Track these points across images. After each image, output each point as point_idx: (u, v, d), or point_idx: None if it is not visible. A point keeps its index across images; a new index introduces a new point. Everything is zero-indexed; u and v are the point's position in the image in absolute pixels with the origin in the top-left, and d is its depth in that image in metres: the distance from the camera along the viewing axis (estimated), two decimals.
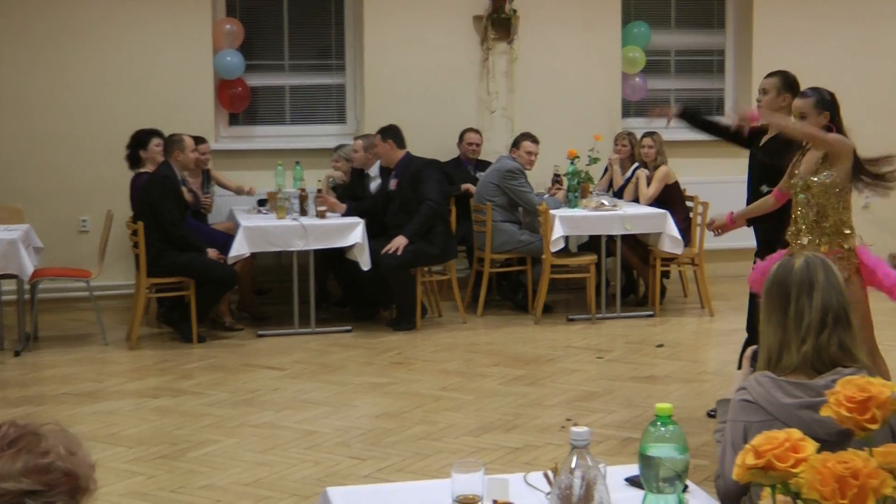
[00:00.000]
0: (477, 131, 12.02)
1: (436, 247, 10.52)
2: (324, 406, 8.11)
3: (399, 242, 10.29)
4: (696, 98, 13.51)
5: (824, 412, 2.34)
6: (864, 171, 6.71)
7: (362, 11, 12.18)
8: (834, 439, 3.11)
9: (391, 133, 10.75)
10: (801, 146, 6.95)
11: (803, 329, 3.65)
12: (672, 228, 10.75)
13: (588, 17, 12.65)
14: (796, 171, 6.84)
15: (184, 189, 10.32)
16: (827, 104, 6.77)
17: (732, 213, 7.41)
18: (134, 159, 10.68)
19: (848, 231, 6.72)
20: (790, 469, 2.09)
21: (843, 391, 2.30)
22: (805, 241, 6.71)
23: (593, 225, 10.93)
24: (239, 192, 11.45)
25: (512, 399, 8.24)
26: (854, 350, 3.66)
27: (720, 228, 7.50)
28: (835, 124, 6.77)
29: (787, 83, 7.59)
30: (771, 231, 7.33)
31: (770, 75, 7.78)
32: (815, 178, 6.68)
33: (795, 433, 2.17)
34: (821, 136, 6.63)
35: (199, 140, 10.99)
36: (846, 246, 6.70)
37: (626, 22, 12.94)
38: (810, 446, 2.14)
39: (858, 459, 2.05)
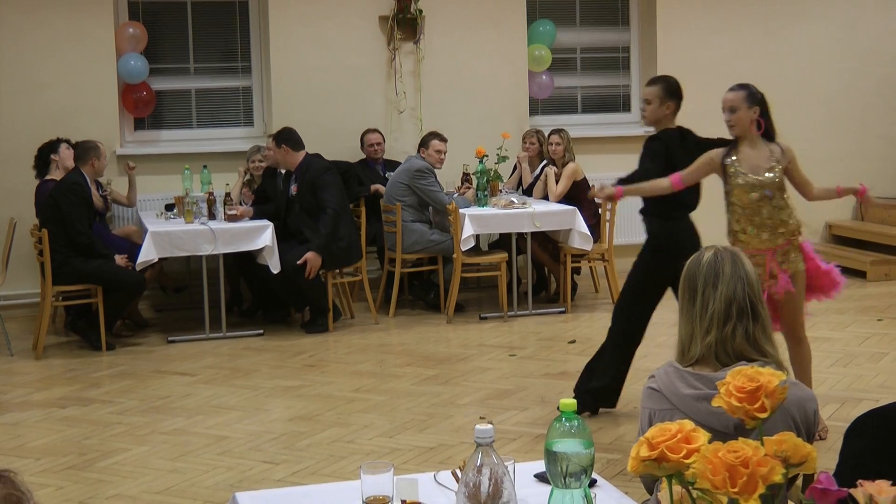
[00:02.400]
0: (377, 131, 12.00)
1: (341, 249, 10.49)
2: (236, 411, 8.07)
3: (314, 263, 10.23)
4: (603, 95, 13.62)
5: (716, 403, 2.37)
6: None
7: (267, 13, 12.13)
8: (731, 432, 3.14)
9: (284, 138, 10.64)
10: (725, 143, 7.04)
11: (707, 320, 3.67)
12: (581, 225, 10.81)
13: (493, 16, 12.70)
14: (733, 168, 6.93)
15: (95, 194, 10.24)
16: (756, 99, 6.90)
17: (622, 187, 7.22)
18: (42, 167, 10.53)
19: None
20: (683, 460, 2.11)
21: (733, 381, 2.33)
22: (765, 236, 6.87)
23: (503, 223, 10.97)
24: (130, 191, 11.31)
25: (425, 399, 8.25)
26: (761, 342, 3.66)
27: (609, 198, 7.41)
28: (765, 120, 6.90)
29: (669, 91, 7.35)
30: (661, 225, 7.41)
31: (650, 83, 7.54)
32: (770, 175, 6.84)
33: (688, 424, 2.19)
34: None
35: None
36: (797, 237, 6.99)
37: (531, 20, 13.00)
38: (702, 437, 2.16)
39: (749, 448, 2.07)
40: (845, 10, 13.63)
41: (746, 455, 2.05)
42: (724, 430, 3.18)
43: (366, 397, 8.34)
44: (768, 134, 6.95)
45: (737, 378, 2.33)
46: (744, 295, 3.68)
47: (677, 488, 2.19)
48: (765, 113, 6.92)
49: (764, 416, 2.29)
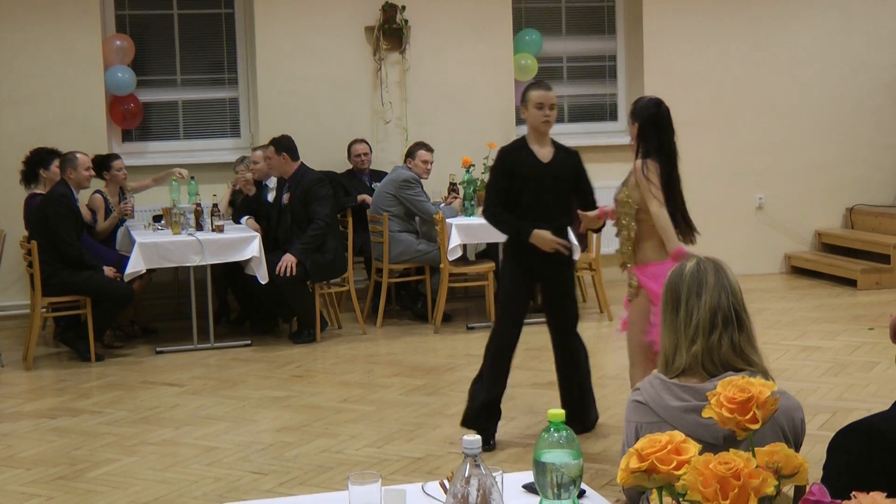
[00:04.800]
0: (363, 141, 12.01)
1: (327, 262, 10.50)
2: (224, 421, 8.06)
3: (288, 261, 10.25)
4: (589, 104, 13.63)
5: (706, 414, 2.36)
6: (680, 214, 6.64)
7: (253, 25, 12.14)
8: (720, 444, 3.14)
9: (284, 145, 10.68)
10: None
11: (692, 329, 3.64)
12: (568, 234, 10.78)
13: (479, 25, 12.71)
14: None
15: (82, 206, 10.24)
16: (638, 115, 6.63)
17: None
18: (29, 176, 10.51)
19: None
20: (673, 471, 2.11)
21: (724, 392, 2.33)
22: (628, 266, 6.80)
23: (490, 233, 10.90)
24: (162, 177, 11.38)
25: (413, 409, 8.25)
26: (747, 351, 3.63)
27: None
28: (643, 139, 6.62)
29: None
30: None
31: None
32: (620, 197, 6.75)
33: (678, 435, 2.18)
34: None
35: (113, 157, 10.93)
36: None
37: (517, 29, 13.02)
38: (693, 448, 2.15)
39: (740, 460, 2.07)
40: (834, 17, 13.65)
41: (738, 466, 2.04)
42: (714, 441, 3.17)
43: (353, 408, 8.34)
44: (646, 151, 6.59)
45: (728, 388, 2.33)
46: (728, 304, 3.66)
47: (667, 500, 2.20)
48: (646, 130, 6.60)
49: (755, 426, 2.29)
